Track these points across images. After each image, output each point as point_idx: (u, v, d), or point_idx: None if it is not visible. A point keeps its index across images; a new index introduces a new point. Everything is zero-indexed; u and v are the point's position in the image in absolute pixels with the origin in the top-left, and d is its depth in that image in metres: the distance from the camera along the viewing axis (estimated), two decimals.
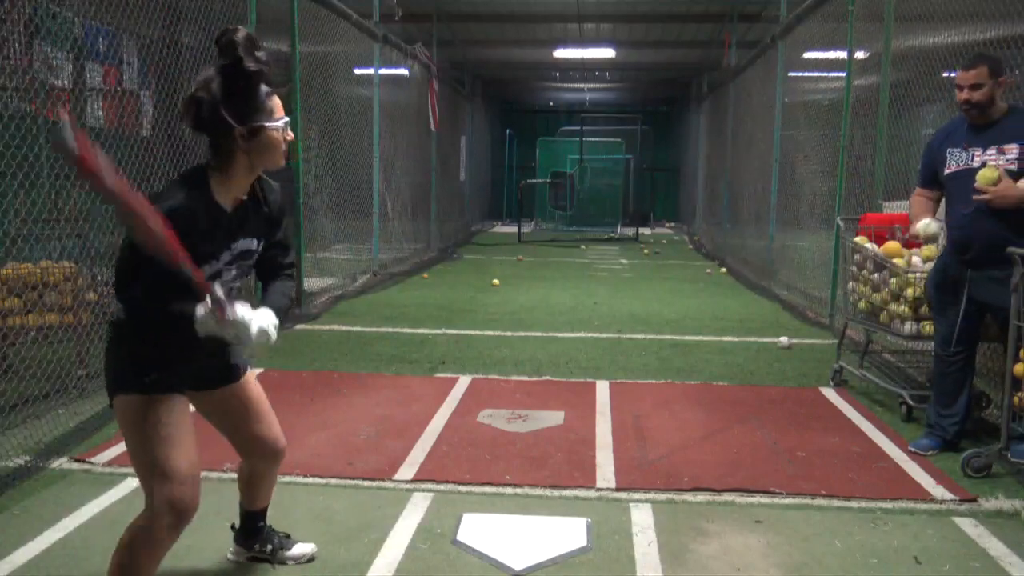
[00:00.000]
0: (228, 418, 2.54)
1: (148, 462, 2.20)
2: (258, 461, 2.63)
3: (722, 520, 3.21)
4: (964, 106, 3.84)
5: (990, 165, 3.75)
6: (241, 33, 2.14)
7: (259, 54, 2.17)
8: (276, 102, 2.28)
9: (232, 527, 2.83)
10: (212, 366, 2.44)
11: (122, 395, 2.23)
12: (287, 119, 2.31)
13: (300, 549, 2.84)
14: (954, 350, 3.92)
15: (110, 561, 2.25)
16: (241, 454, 2.63)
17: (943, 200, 4.09)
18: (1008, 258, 3.55)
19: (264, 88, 2.23)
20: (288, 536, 2.87)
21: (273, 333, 2.20)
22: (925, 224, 4.10)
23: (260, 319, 2.17)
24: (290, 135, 2.32)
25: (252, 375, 2.59)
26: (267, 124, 2.22)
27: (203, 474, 3.48)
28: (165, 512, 2.18)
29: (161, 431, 2.20)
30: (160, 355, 2.24)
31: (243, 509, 2.78)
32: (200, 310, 2.08)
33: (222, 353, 2.43)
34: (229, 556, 2.82)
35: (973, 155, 3.84)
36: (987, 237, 3.70)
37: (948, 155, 3.94)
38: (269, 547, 2.80)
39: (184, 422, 2.27)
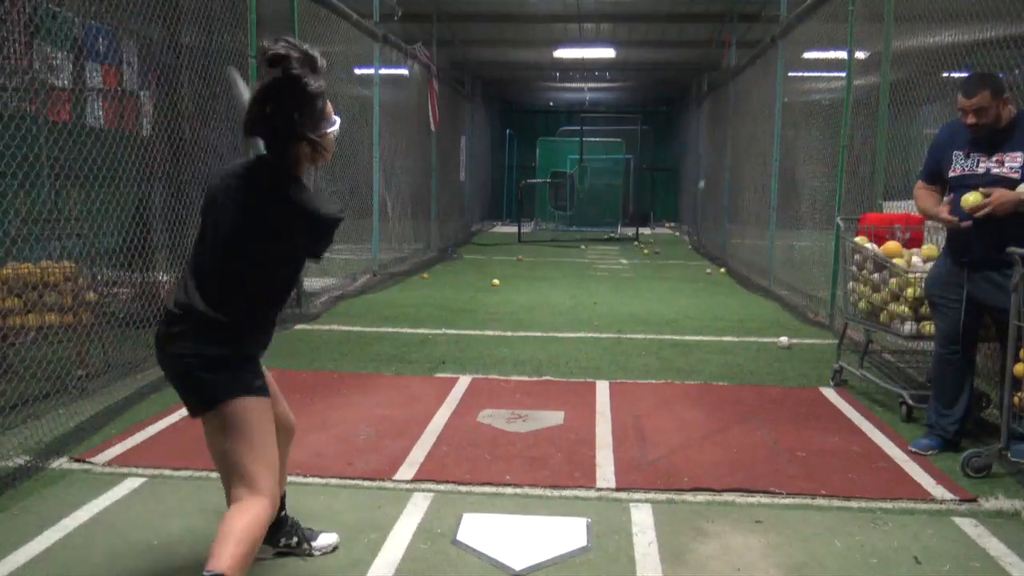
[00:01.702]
0: None
1: None
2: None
3: (722, 520, 3.21)
4: (971, 128, 3.79)
5: (972, 192, 3.72)
6: (295, 52, 2.21)
7: (319, 65, 2.27)
8: (329, 106, 2.38)
9: None
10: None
11: None
12: (339, 118, 2.42)
13: (325, 539, 2.86)
14: (953, 348, 3.92)
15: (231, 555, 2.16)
16: None
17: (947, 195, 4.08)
18: (1006, 262, 3.55)
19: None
20: (311, 528, 2.88)
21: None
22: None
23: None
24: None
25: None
26: (330, 130, 2.38)
27: (205, 474, 3.53)
28: None
29: None
30: None
31: None
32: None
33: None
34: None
35: (978, 160, 3.83)
36: (986, 244, 3.69)
37: (954, 157, 3.91)
38: (295, 539, 2.80)
39: None
